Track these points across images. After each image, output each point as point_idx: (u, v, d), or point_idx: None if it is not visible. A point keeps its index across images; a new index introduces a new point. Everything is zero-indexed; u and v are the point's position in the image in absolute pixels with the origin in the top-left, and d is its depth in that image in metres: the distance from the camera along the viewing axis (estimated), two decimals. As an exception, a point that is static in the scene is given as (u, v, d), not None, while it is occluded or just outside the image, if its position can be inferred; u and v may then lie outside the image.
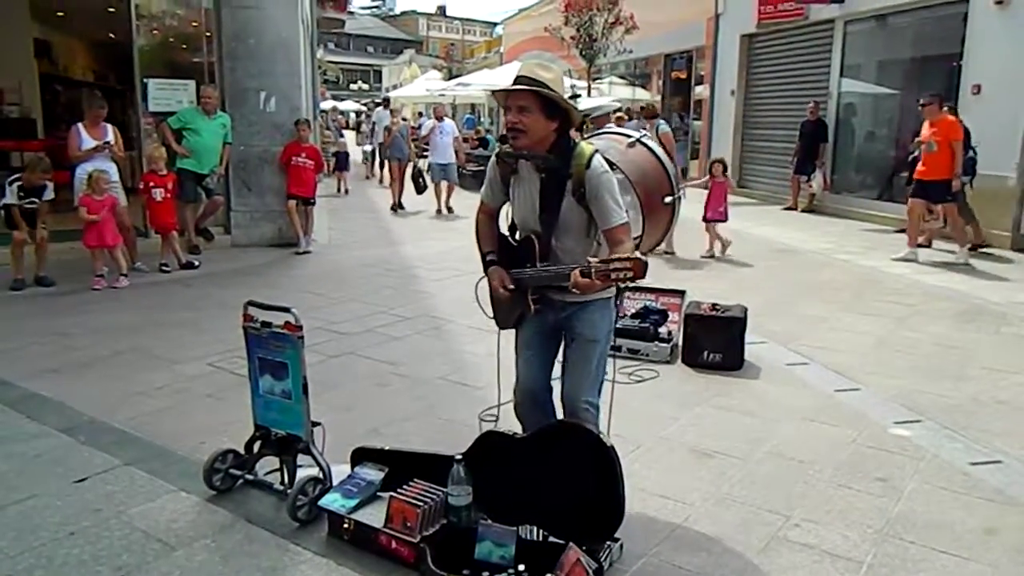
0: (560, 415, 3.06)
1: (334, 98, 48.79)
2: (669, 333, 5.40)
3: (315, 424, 3.27)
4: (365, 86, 65.63)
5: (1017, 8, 9.58)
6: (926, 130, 8.71)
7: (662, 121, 9.65)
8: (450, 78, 31.14)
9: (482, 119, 27.80)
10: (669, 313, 5.56)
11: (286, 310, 3.20)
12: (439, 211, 12.53)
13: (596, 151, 2.88)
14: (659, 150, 3.86)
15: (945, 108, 8.93)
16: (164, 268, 7.91)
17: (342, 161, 16.87)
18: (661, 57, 19.71)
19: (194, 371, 4.92)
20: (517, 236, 3.05)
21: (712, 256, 8.85)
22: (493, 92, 3.06)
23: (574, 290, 2.68)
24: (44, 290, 7.05)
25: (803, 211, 13.16)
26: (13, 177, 7.14)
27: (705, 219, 8.99)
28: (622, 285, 2.64)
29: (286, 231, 9.33)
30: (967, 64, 10.29)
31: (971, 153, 9.60)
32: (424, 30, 78.85)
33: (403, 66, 50.53)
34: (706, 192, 9.14)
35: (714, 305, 5.33)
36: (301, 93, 9.86)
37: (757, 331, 5.70)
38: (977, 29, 10.13)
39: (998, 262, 8.99)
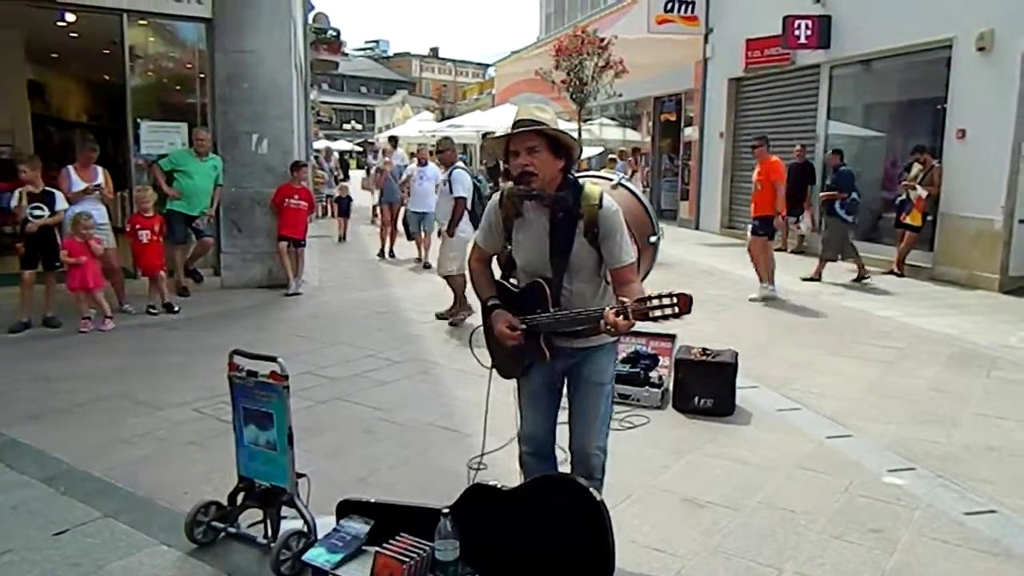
0: (557, 461, 3.02)
1: (327, 138, 49.06)
2: (660, 378, 5.37)
3: (300, 476, 3.21)
4: (358, 126, 66.24)
5: (999, 54, 9.76)
6: (756, 171, 9.19)
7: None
8: (443, 119, 31.44)
9: (473, 162, 27.96)
10: (660, 358, 5.54)
11: (272, 359, 3.16)
12: (419, 259, 11.83)
13: (603, 190, 2.87)
14: (639, 192, 3.88)
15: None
16: (152, 310, 7.86)
17: (344, 206, 15.57)
18: (651, 100, 19.95)
19: (178, 417, 4.85)
20: (515, 281, 2.99)
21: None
22: (490, 138, 3.01)
23: (607, 331, 2.60)
24: (30, 332, 6.97)
25: (792, 252, 13.22)
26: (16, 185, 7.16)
27: None
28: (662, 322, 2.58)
29: (276, 273, 9.30)
30: (951, 108, 10.44)
31: (854, 195, 10.18)
32: (417, 71, 79.87)
33: (396, 107, 51.01)
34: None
35: (705, 350, 5.30)
36: (293, 136, 9.93)
37: (748, 375, 5.67)
38: (961, 74, 10.30)
39: (986, 305, 9.02)
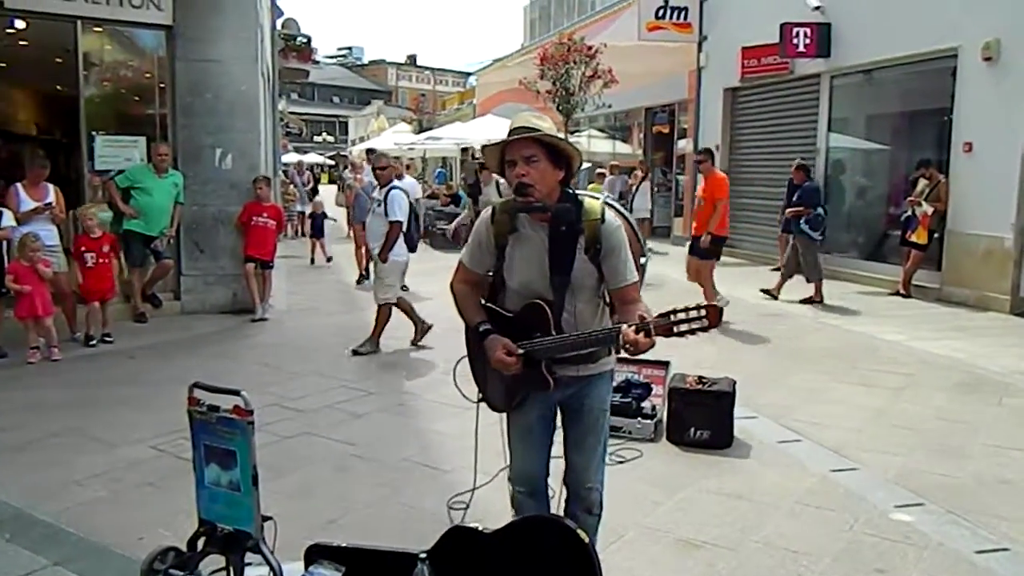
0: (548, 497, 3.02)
1: (297, 151, 49.11)
2: (653, 408, 5.38)
3: (266, 518, 3.18)
4: (330, 138, 66.43)
5: (1006, 64, 9.93)
6: (700, 187, 9.36)
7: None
8: (421, 131, 31.58)
9: (454, 177, 28.08)
10: (652, 387, 5.56)
11: (235, 392, 3.14)
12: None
13: (604, 203, 2.89)
14: (624, 211, 3.92)
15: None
16: (107, 339, 7.80)
17: (318, 224, 14.72)
18: (642, 110, 20.16)
19: (135, 455, 4.81)
20: (507, 303, 2.94)
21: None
22: (486, 147, 2.97)
23: (627, 351, 2.59)
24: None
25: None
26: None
27: None
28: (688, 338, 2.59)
29: (241, 296, 9.27)
30: (957, 120, 10.61)
31: (819, 210, 10.40)
32: (393, 80, 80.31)
33: (370, 117, 51.26)
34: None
35: (700, 378, 5.33)
36: (260, 150, 9.94)
37: (746, 404, 5.70)
38: (966, 85, 10.48)
39: (997, 328, 9.13)
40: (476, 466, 3.37)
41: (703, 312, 2.53)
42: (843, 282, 12.24)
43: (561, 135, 2.91)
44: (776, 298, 10.44)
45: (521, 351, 2.82)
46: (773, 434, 5.37)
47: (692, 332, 2.54)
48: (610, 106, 18.76)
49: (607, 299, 2.95)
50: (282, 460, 4.71)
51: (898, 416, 5.81)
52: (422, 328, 7.84)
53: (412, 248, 7.79)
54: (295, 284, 11.73)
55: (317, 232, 14.68)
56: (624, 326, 2.62)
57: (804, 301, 10.40)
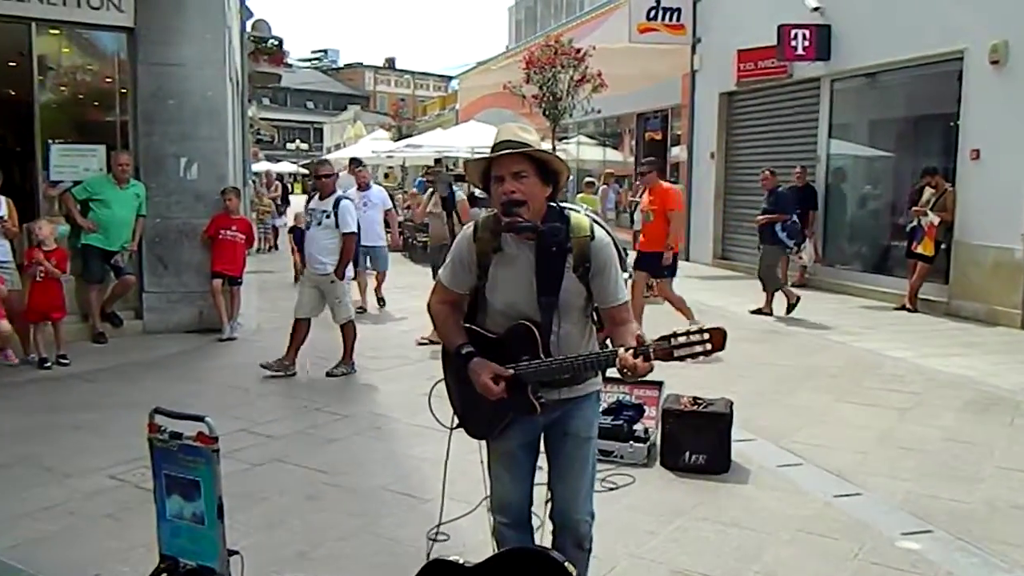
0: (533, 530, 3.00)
1: (269, 159, 49.01)
2: (646, 431, 5.39)
3: (232, 552, 3.15)
4: (304, 146, 66.42)
5: (1014, 68, 10.05)
6: (645, 199, 9.27)
7: (459, 189, 9.68)
8: (400, 137, 31.62)
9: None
10: (645, 408, 5.56)
11: (199, 418, 3.12)
12: (363, 309, 10.86)
13: (592, 219, 2.90)
14: (606, 227, 3.92)
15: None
16: (63, 361, 7.73)
17: (299, 237, 13.71)
18: (633, 116, 20.28)
19: (92, 486, 4.76)
20: (489, 324, 2.94)
21: None
22: (469, 162, 2.96)
23: (624, 375, 2.64)
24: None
25: (793, 286, 13.38)
26: None
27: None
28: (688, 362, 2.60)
29: (208, 315, 9.22)
30: (964, 126, 10.72)
31: (794, 217, 10.60)
32: (371, 84, 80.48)
33: (347, 124, 51.32)
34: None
35: (695, 399, 5.34)
36: (228, 159, 9.94)
37: (745, 426, 5.72)
38: (973, 89, 10.60)
39: (1008, 343, 9.19)
40: (444, 494, 3.36)
41: (706, 336, 2.54)
42: (846, 296, 12.33)
43: (548, 146, 2.92)
44: (771, 314, 10.49)
45: (510, 375, 2.81)
46: (773, 458, 5.38)
47: (694, 356, 2.55)
48: (599, 111, 18.90)
49: (595, 319, 2.96)
50: (250, 489, 4.68)
51: (905, 438, 5.84)
52: (287, 364, 7.47)
53: (355, 262, 7.79)
54: (267, 300, 11.68)
55: (300, 246, 14.37)
56: (621, 350, 2.63)
57: (756, 312, 10.47)
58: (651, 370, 2.62)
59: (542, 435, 3.04)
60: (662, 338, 2.58)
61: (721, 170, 16.48)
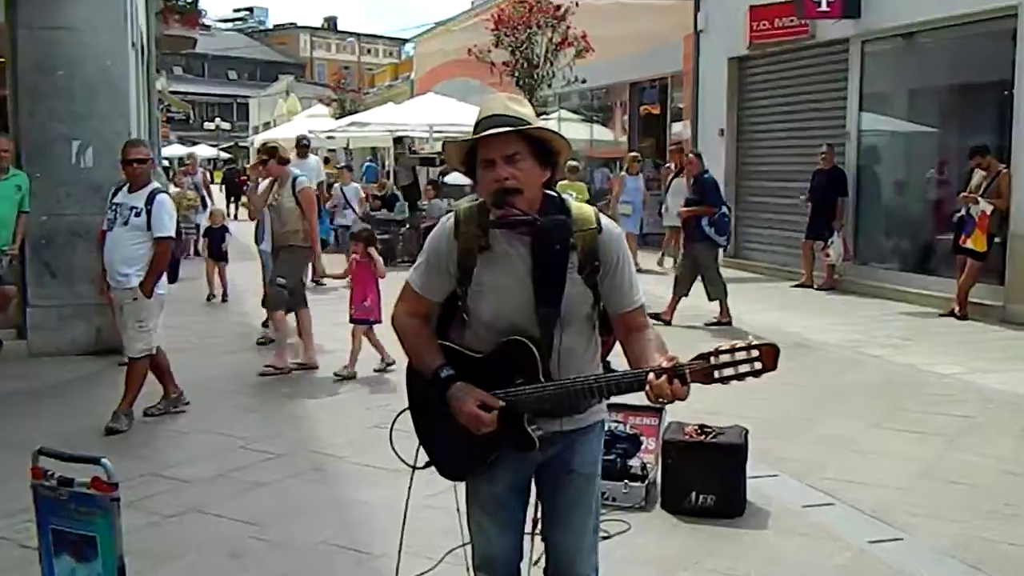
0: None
1: (183, 142, 48.80)
2: (643, 468, 5.40)
3: (136, 624, 3.13)
4: (225, 125, 66.08)
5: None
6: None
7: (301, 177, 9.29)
8: (342, 114, 31.55)
9: (387, 166, 28.03)
10: (642, 439, 5.57)
11: (94, 460, 3.10)
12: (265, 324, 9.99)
13: (595, 209, 2.90)
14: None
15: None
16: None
17: (216, 242, 13.26)
18: (626, 86, 20.38)
19: (-37, 544, 4.70)
20: (471, 341, 2.90)
21: None
22: (449, 143, 2.93)
23: (656, 402, 2.63)
24: None
25: (820, 288, 13.52)
26: None
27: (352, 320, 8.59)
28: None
29: (107, 333, 9.11)
30: (1020, 96, 10.82)
31: (724, 209, 10.83)
32: (307, 49, 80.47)
33: (278, 98, 51.13)
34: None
35: (703, 427, 5.36)
36: (131, 141, 9.84)
37: (763, 459, 5.74)
38: (1030, 50, 10.71)
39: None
40: (401, 547, 3.34)
41: (755, 353, 2.54)
42: (883, 301, 12.44)
43: (550, 128, 2.89)
44: (669, 323, 10.43)
45: (502, 403, 2.77)
46: (797, 496, 5.41)
47: (740, 378, 2.56)
48: (584, 81, 18.94)
49: (598, 329, 2.96)
50: (160, 547, 4.63)
51: (954, 470, 5.89)
52: (175, 398, 7.26)
53: (173, 277, 7.34)
54: (181, 316, 11.58)
55: (216, 253, 13.29)
56: (651, 372, 2.60)
57: (712, 324, 10.58)
58: (686, 396, 2.59)
59: (533, 475, 3.02)
60: (700, 356, 2.58)
61: (732, 150, 16.58)
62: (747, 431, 5.40)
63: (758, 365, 2.55)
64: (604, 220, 2.85)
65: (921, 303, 11.98)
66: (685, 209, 11.07)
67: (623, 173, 16.73)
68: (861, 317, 11.36)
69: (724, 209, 10.93)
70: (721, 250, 11.53)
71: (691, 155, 11.79)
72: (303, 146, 14.81)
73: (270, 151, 8.89)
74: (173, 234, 7.00)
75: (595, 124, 22.80)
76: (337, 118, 29.99)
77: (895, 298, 12.45)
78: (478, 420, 2.76)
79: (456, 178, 18.70)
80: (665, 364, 2.58)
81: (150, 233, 6.81)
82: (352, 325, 8.45)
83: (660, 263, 15.96)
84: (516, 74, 18.54)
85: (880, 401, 7.55)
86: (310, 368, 8.56)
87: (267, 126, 46.66)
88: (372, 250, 8.59)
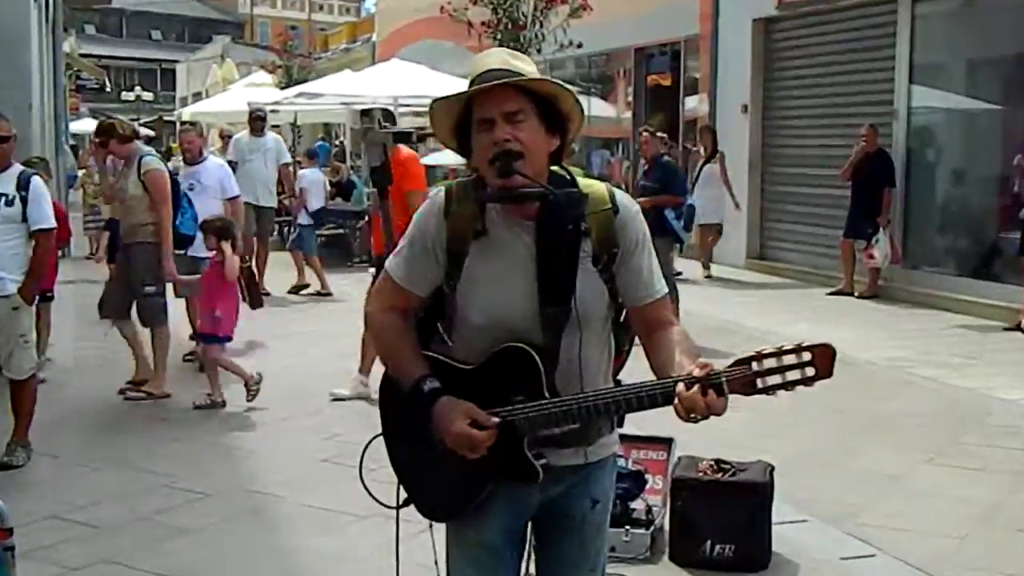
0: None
1: (94, 115, 48.42)
2: (648, 511, 5.39)
3: None
4: (148, 95, 65.79)
5: None
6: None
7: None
8: (289, 84, 31.46)
9: (341, 141, 27.89)
10: (647, 477, 5.57)
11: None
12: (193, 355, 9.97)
13: (608, 185, 2.88)
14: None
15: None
16: None
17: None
18: (630, 53, 20.37)
19: None
20: (460, 350, 2.87)
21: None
22: (438, 101, 2.83)
23: (688, 419, 2.53)
24: None
25: (862, 296, 13.54)
26: None
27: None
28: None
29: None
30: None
31: (690, 201, 11.15)
32: (246, 5, 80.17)
33: (211, 63, 50.85)
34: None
35: (720, 462, 5.36)
36: (33, 114, 9.82)
37: (791, 501, 5.75)
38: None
39: None
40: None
41: (806, 356, 2.50)
42: (936, 311, 12.45)
43: (562, 83, 2.84)
44: None
45: (497, 421, 2.72)
46: (832, 546, 5.42)
47: (788, 387, 2.52)
48: (580, 46, 18.94)
49: (615, 337, 2.95)
50: (64, 605, 4.62)
51: (1021, 516, 5.90)
52: (23, 436, 6.91)
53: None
54: (86, 324, 11.52)
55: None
56: (680, 382, 2.54)
57: None
58: (724, 409, 2.53)
59: (531, 520, 3.00)
60: (740, 361, 2.52)
61: (757, 130, 16.62)
62: (772, 467, 5.40)
63: (810, 371, 2.50)
64: (619, 197, 2.83)
65: (982, 315, 11.98)
66: (645, 199, 11.03)
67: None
68: (911, 331, 11.39)
69: (691, 200, 11.08)
70: (678, 246, 11.61)
71: (645, 133, 11.79)
72: (257, 119, 14.56)
73: (107, 129, 8.67)
74: (54, 225, 6.88)
75: (593, 97, 22.75)
76: (282, 88, 29.85)
77: (951, 308, 12.47)
78: (471, 439, 2.69)
79: (437, 158, 18.68)
80: (698, 372, 2.52)
81: (26, 225, 6.66)
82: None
83: (707, 272, 15.88)
84: (498, 37, 18.49)
85: (933, 432, 7.57)
86: (158, 398, 8.37)
87: (198, 97, 46.39)
88: (225, 245, 8.23)
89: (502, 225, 2.78)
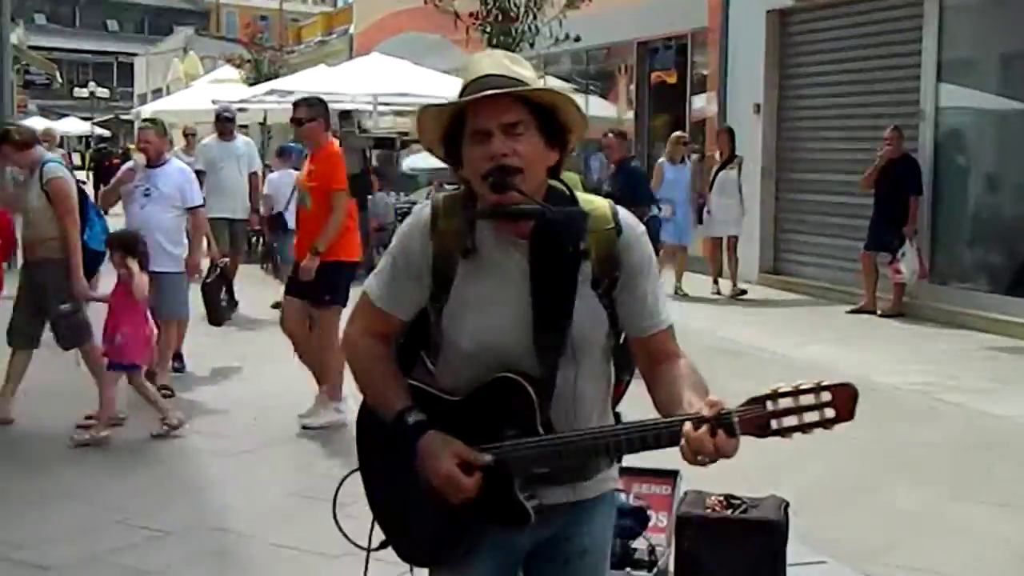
0: None
1: (44, 113, 48.55)
2: (651, 551, 5.38)
3: None
4: (103, 91, 65.87)
5: None
6: (304, 168, 8.97)
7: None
8: (258, 80, 31.48)
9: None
10: (650, 514, 5.56)
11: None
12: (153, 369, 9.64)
13: (611, 203, 2.88)
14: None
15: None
16: None
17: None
18: (633, 47, 20.42)
19: None
20: (446, 379, 2.87)
21: None
22: (427, 109, 2.82)
23: (696, 461, 2.51)
24: None
25: (885, 315, 13.56)
26: None
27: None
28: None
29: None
30: None
31: (654, 209, 11.36)
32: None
33: (172, 57, 50.95)
34: None
35: (729, 498, 5.35)
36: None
37: (808, 540, 5.75)
38: None
39: None
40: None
41: (824, 396, 2.49)
42: (967, 332, 12.48)
43: (564, 93, 2.85)
44: None
45: (488, 460, 2.71)
46: (854, 591, 5.42)
47: (805, 429, 2.52)
48: (578, 39, 18.98)
49: (615, 366, 2.95)
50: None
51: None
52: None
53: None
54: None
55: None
56: (687, 421, 2.52)
57: None
58: (735, 452, 2.51)
59: (522, 564, 3.01)
60: (754, 400, 2.52)
61: (771, 132, 16.66)
62: (787, 503, 5.38)
63: (829, 413, 2.49)
64: (622, 216, 2.82)
65: (1016, 335, 12.03)
66: None
67: (662, 160, 15.89)
68: (938, 352, 11.40)
69: (656, 209, 11.23)
70: None
71: (610, 135, 11.83)
72: (224, 121, 14.21)
73: (1, 135, 8.59)
74: None
75: (592, 96, 22.81)
76: (251, 84, 29.85)
77: (983, 328, 12.51)
78: (456, 483, 2.68)
79: (417, 161, 18.67)
80: (707, 411, 2.51)
81: None
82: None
83: (715, 288, 15.64)
84: (488, 29, 18.54)
85: (963, 463, 7.59)
86: (113, 425, 8.21)
87: (158, 94, 46.50)
88: (132, 262, 7.98)
89: (493, 244, 2.78)
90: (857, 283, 14.20)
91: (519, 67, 2.79)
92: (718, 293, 15.52)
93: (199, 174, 12.37)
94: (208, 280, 10.82)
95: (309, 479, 6.91)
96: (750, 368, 10.34)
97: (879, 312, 13.64)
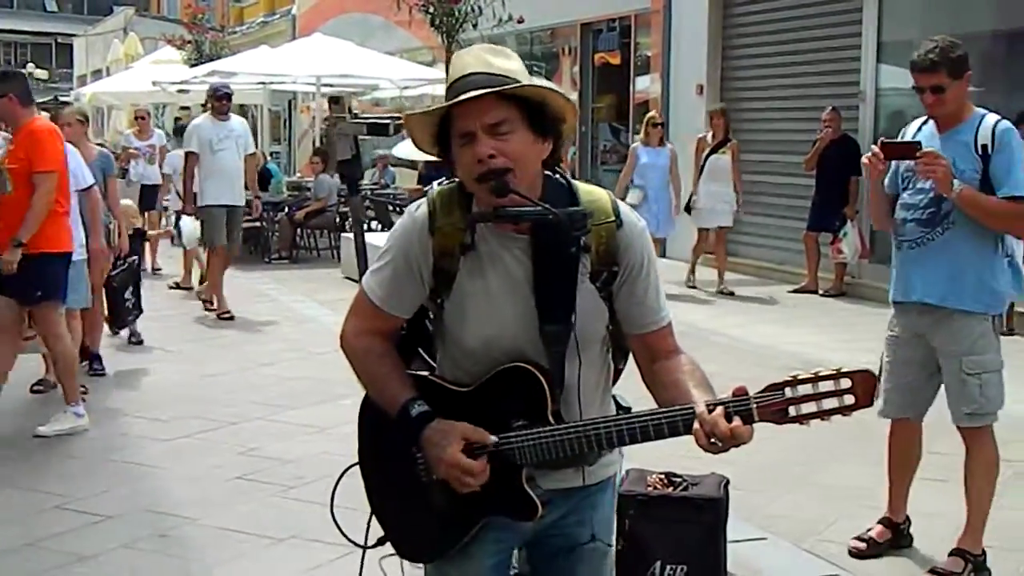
0: None
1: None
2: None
3: None
4: (42, 73, 65.02)
5: None
6: (7, 147, 8.09)
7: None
8: (200, 61, 31.21)
9: (261, 141, 27.69)
10: (592, 493, 5.60)
11: None
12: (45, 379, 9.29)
13: (610, 195, 2.89)
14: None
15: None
16: None
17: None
18: (576, 28, 20.40)
19: None
20: (451, 372, 2.89)
21: None
22: (411, 115, 2.82)
23: (711, 448, 2.56)
24: None
25: (827, 294, 13.67)
26: None
27: None
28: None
29: None
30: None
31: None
32: (152, -27, 79.41)
33: (113, 38, 50.34)
34: None
35: (670, 475, 5.37)
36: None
37: (750, 517, 5.81)
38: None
39: None
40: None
41: (844, 383, 2.51)
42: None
43: (548, 83, 2.84)
44: None
45: (495, 440, 2.71)
46: (792, 566, 5.51)
47: (823, 416, 2.54)
48: (521, 21, 18.97)
49: (612, 356, 2.98)
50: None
51: (999, 530, 5.93)
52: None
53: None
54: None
55: None
56: (701, 407, 2.56)
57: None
58: (749, 439, 2.55)
59: (521, 549, 3.04)
60: (772, 387, 2.54)
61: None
62: (727, 480, 5.40)
63: (848, 399, 2.51)
64: (623, 209, 2.83)
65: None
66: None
67: (635, 143, 15.20)
68: (880, 332, 11.44)
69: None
70: None
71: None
72: (220, 98, 13.01)
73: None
74: None
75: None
76: (192, 65, 29.60)
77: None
78: (465, 469, 2.66)
79: (402, 149, 18.52)
80: (716, 397, 2.58)
81: None
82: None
83: (690, 279, 14.73)
84: (431, 10, 18.48)
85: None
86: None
87: (98, 75, 45.95)
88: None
89: (492, 239, 2.79)
90: (798, 263, 14.31)
91: (503, 60, 2.80)
92: (693, 286, 14.53)
93: (187, 155, 12.45)
94: (114, 274, 10.02)
95: (251, 462, 6.90)
96: (694, 349, 10.37)
97: (821, 292, 13.77)
